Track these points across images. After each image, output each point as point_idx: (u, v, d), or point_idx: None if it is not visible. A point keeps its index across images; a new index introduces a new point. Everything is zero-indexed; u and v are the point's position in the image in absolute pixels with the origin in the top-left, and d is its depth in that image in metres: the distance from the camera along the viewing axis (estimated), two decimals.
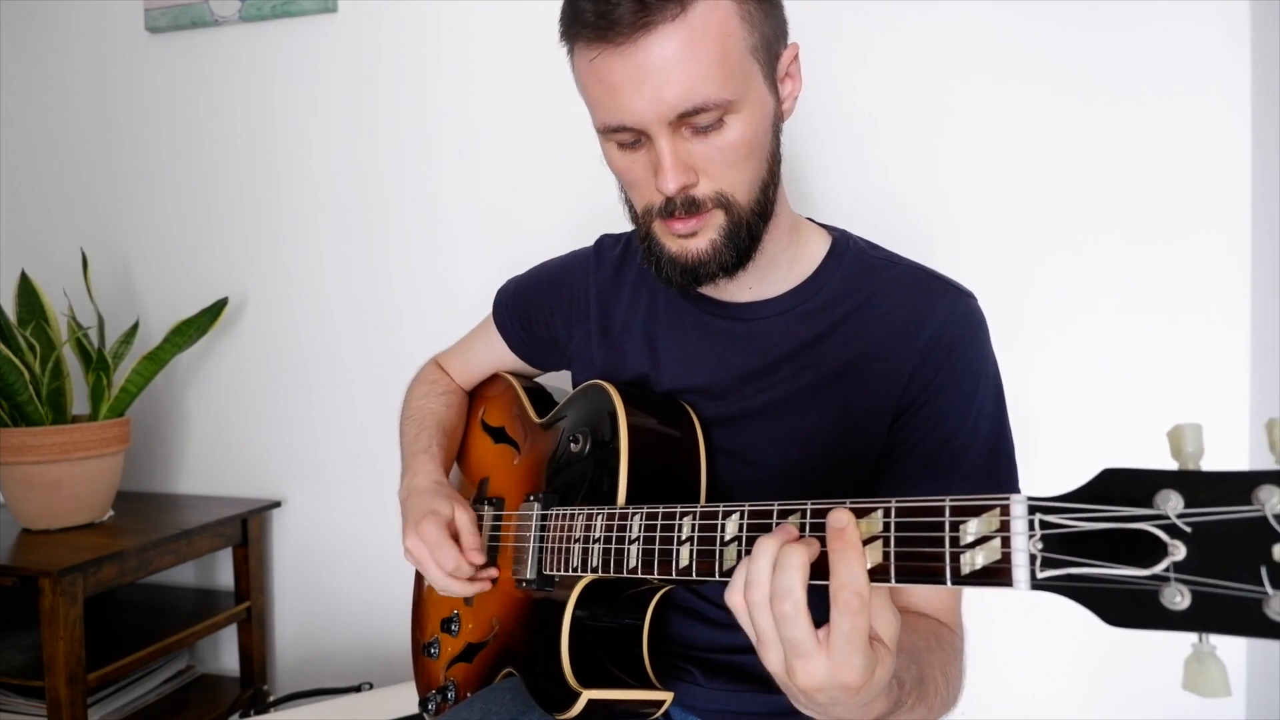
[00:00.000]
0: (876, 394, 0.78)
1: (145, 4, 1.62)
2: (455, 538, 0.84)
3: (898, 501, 0.49)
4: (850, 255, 0.84)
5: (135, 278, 1.71)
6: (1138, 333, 1.21)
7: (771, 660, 0.51)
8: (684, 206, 0.71)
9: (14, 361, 1.33)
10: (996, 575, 0.42)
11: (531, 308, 1.00)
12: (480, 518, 0.92)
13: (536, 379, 1.09)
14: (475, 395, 1.10)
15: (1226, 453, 1.16)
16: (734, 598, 0.53)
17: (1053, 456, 1.18)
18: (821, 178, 1.32)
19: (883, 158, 1.30)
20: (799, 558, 0.49)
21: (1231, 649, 0.98)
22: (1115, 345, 1.22)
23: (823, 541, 0.51)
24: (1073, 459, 1.21)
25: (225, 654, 1.69)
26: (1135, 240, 1.20)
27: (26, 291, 1.48)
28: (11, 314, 1.46)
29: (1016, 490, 0.77)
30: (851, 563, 0.48)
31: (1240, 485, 0.34)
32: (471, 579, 0.84)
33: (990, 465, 0.77)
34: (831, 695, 0.49)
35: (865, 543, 0.50)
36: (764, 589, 0.50)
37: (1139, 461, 1.14)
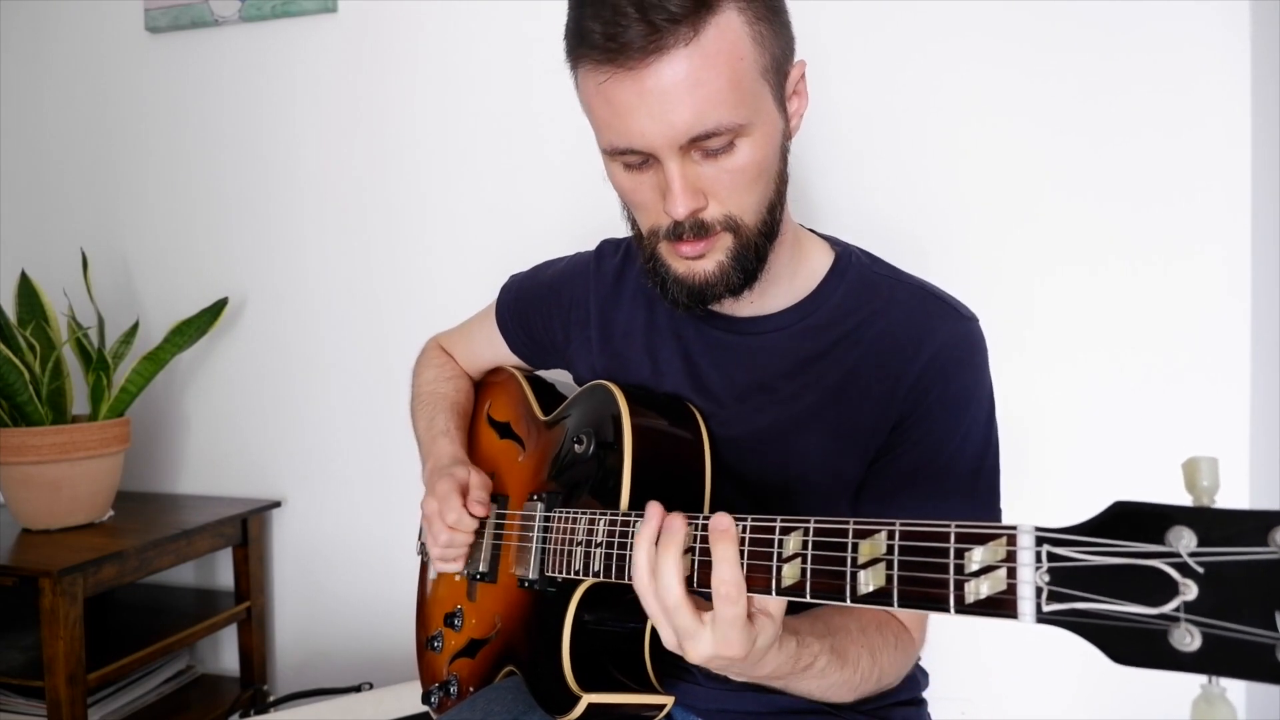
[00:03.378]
0: (875, 414, 0.77)
1: (145, 4, 1.62)
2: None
3: (902, 524, 0.49)
4: (853, 271, 0.83)
5: (135, 278, 1.70)
6: (1137, 320, 1.20)
7: (667, 638, 0.59)
8: (692, 230, 0.70)
9: (14, 361, 1.32)
10: (1001, 606, 0.42)
11: (532, 310, 1.00)
12: None
13: (538, 372, 1.09)
14: (480, 386, 1.10)
15: (1228, 454, 1.16)
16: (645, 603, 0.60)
17: (1044, 448, 1.18)
18: (821, 181, 1.31)
19: (884, 160, 1.29)
20: (672, 558, 0.58)
21: None
22: (1113, 338, 1.21)
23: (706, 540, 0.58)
24: (1068, 464, 1.21)
25: (225, 654, 1.69)
26: (1136, 213, 1.19)
27: (26, 291, 1.47)
28: (11, 314, 1.46)
29: (996, 512, 0.79)
30: (731, 559, 0.56)
31: (1256, 525, 0.33)
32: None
33: (972, 484, 0.78)
34: (721, 663, 0.58)
35: (868, 565, 0.50)
36: (645, 578, 0.59)
37: (1138, 467, 1.12)
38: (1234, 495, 1.12)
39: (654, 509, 0.61)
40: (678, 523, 0.59)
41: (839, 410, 0.78)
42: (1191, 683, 0.37)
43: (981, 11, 1.22)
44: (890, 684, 0.75)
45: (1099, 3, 1.17)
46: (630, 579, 0.61)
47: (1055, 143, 1.21)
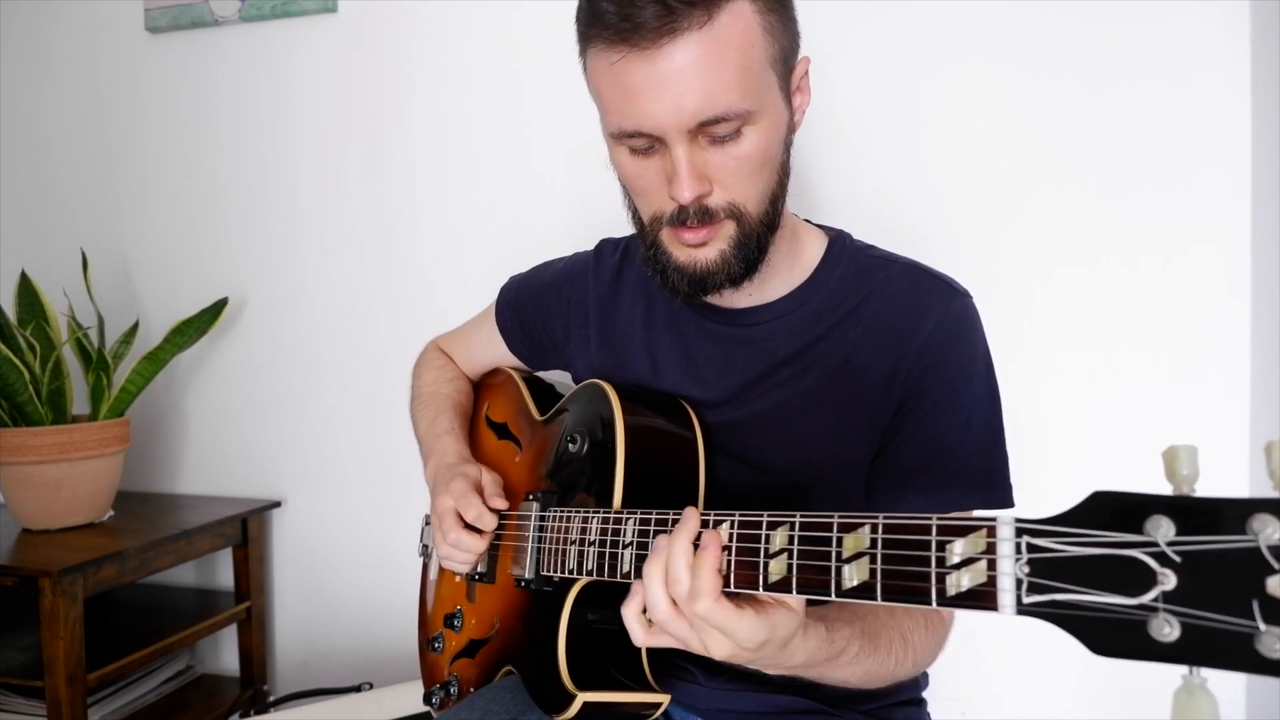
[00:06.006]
0: (876, 396, 0.77)
1: (145, 4, 1.62)
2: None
3: (885, 518, 0.48)
4: (847, 255, 0.83)
5: (135, 278, 1.71)
6: (1137, 320, 1.19)
7: (696, 646, 0.57)
8: (697, 216, 0.70)
9: (14, 361, 1.33)
10: (981, 599, 0.41)
11: (530, 310, 1.00)
12: None
13: (537, 373, 1.09)
14: (478, 387, 1.11)
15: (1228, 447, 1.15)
16: (658, 605, 0.57)
17: (1043, 444, 1.17)
18: (821, 179, 1.31)
19: (881, 155, 1.29)
20: (712, 557, 0.55)
21: None
22: (1111, 334, 1.20)
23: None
24: (1067, 460, 1.20)
25: (225, 654, 1.69)
26: (1136, 208, 1.18)
27: (26, 291, 1.48)
28: (11, 314, 1.46)
29: (1008, 493, 0.78)
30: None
31: (1234, 513, 0.33)
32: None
33: (982, 464, 0.77)
34: (750, 656, 0.56)
35: (852, 559, 0.50)
36: (684, 585, 0.55)
37: (1139, 463, 1.10)
38: (1234, 491, 1.12)
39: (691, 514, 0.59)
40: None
41: (841, 391, 0.78)
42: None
43: (980, 8, 1.22)
44: (927, 664, 0.75)
45: None
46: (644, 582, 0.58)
47: (1055, 138, 1.20)
